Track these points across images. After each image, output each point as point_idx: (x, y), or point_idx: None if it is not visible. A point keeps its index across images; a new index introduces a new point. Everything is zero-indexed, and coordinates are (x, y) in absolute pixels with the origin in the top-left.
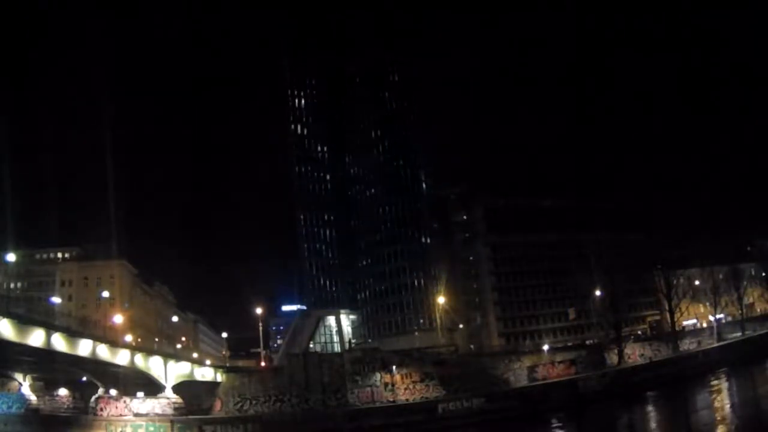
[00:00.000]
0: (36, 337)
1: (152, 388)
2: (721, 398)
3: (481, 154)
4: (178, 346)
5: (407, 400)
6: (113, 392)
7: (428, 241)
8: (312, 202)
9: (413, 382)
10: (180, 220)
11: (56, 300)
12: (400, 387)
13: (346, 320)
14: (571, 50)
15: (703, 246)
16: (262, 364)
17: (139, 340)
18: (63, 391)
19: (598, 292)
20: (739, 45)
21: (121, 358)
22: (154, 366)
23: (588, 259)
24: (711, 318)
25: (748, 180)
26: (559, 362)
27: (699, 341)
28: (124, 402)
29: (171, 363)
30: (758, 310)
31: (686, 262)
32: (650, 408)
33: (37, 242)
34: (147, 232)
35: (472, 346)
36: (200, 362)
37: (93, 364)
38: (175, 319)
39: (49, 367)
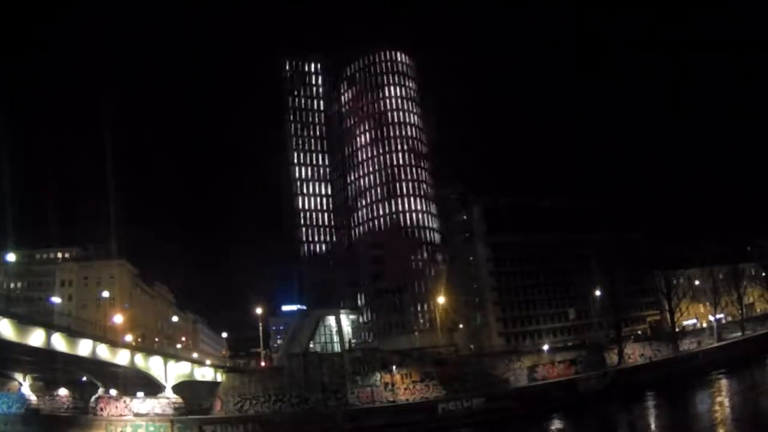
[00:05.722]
0: (36, 337)
1: (152, 388)
2: (721, 398)
3: (480, 154)
4: (178, 346)
5: (407, 400)
6: (113, 392)
7: (428, 241)
8: (312, 202)
9: (413, 382)
10: (180, 220)
11: (56, 300)
12: (400, 387)
13: (346, 320)
14: (572, 50)
15: (703, 246)
16: (262, 364)
17: (139, 340)
18: (63, 391)
19: (598, 292)
20: (739, 45)
21: (121, 358)
22: (154, 366)
23: (588, 259)
24: (711, 318)
25: (748, 180)
26: (559, 362)
27: (699, 341)
28: (124, 402)
29: (171, 363)
30: (758, 310)
31: (686, 262)
32: (650, 408)
33: (37, 242)
34: (147, 232)
35: (472, 346)
36: (200, 362)
37: (93, 364)
38: (175, 319)
39: (49, 367)
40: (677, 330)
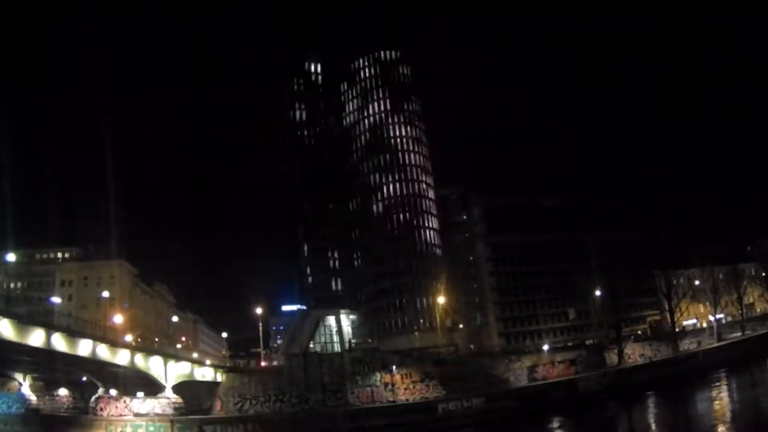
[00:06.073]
0: (36, 337)
1: (152, 388)
2: (721, 398)
3: (480, 153)
4: (178, 346)
5: (407, 400)
6: (113, 392)
7: (428, 241)
8: (312, 202)
9: (413, 382)
10: (180, 220)
11: (56, 300)
12: (400, 387)
13: (346, 320)
14: (572, 49)
15: (703, 246)
16: (262, 364)
17: (139, 340)
18: (63, 391)
19: (598, 292)
20: (739, 44)
21: (121, 358)
22: (154, 366)
23: (588, 259)
24: (711, 318)
25: (748, 180)
26: (559, 362)
27: (699, 341)
28: (124, 402)
29: (171, 363)
30: (758, 310)
31: (686, 262)
32: (650, 408)
33: (37, 242)
34: (147, 232)
35: (472, 346)
36: (200, 362)
37: (93, 364)
38: (175, 319)
39: (49, 367)
40: (677, 330)
